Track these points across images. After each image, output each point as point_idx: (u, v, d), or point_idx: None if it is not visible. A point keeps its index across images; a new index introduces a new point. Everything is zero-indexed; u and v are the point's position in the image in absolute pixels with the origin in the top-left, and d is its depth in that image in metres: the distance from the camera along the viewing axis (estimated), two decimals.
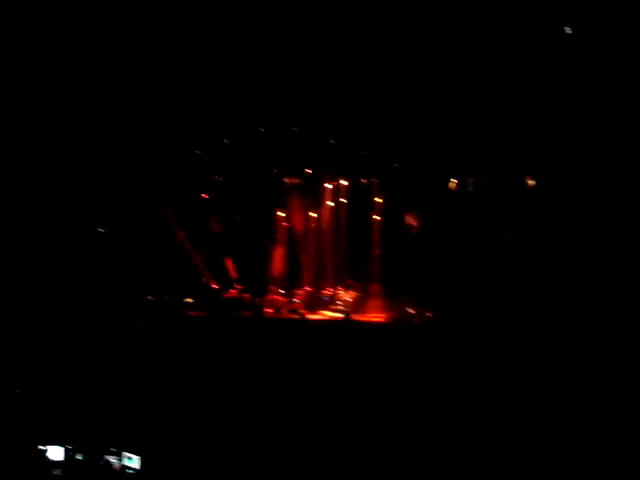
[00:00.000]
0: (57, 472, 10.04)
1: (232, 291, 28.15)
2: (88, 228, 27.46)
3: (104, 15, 24.48)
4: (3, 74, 24.19)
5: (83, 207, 27.67)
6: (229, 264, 28.60)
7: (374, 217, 29.06)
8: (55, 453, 10.08)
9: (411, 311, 26.03)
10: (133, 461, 9.99)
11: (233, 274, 28.64)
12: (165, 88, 26.12)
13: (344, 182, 29.29)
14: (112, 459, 10.00)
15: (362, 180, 29.33)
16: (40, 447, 9.96)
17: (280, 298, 28.24)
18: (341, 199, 29.27)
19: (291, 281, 28.78)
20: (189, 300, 27.44)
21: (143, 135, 27.33)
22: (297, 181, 29.59)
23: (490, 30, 24.81)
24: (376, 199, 28.91)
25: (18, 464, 9.80)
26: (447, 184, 29.29)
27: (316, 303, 28.10)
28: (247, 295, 28.16)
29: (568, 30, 24.48)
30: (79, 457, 10.03)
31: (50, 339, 17.63)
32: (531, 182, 28.31)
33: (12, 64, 24.27)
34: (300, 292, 28.44)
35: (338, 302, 28.11)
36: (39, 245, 25.27)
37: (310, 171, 29.15)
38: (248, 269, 28.82)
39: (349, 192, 29.30)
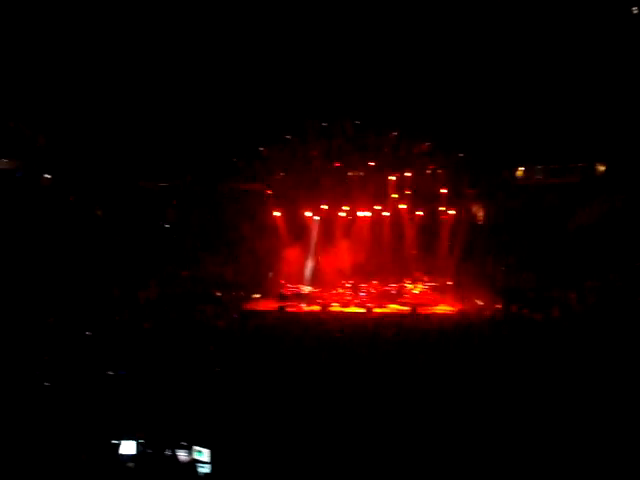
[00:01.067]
0: (130, 465, 10.16)
1: (298, 286, 28.28)
2: (156, 226, 28.00)
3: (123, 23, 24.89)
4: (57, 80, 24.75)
5: (151, 205, 28.22)
6: (295, 260, 28.76)
7: (441, 208, 28.76)
8: (127, 447, 10.20)
9: (480, 303, 25.65)
10: (203, 455, 10.03)
11: (299, 269, 28.77)
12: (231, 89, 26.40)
13: (408, 174, 29.08)
14: (182, 453, 10.06)
15: (427, 171, 29.14)
16: (113, 441, 10.10)
17: (347, 292, 28.20)
18: (406, 191, 29.09)
19: (358, 275, 28.71)
20: (257, 296, 27.68)
21: (209, 134, 27.66)
22: (360, 174, 29.55)
23: (558, 19, 24.33)
24: (443, 190, 28.63)
25: (92, 458, 9.96)
26: (515, 172, 28.80)
27: (383, 297, 27.94)
28: (314, 290, 28.25)
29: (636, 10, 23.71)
30: (150, 451, 10.16)
31: (123, 334, 18.08)
32: (601, 168, 27.57)
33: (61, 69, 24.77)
34: (367, 286, 28.33)
35: (405, 295, 27.91)
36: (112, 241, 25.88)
37: (374, 164, 29.06)
38: (314, 264, 28.95)
39: (415, 184, 29.09)
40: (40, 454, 9.52)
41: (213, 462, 9.87)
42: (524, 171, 28.76)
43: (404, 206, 28.96)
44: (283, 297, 27.42)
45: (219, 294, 26.56)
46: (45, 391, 12.78)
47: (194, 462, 9.94)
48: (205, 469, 9.93)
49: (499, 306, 24.90)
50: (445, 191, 28.63)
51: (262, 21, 25.09)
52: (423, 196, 29.06)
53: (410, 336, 19.91)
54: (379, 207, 28.99)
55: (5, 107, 25.16)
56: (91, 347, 16.50)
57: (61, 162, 26.96)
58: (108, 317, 20.72)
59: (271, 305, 26.61)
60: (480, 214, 29.30)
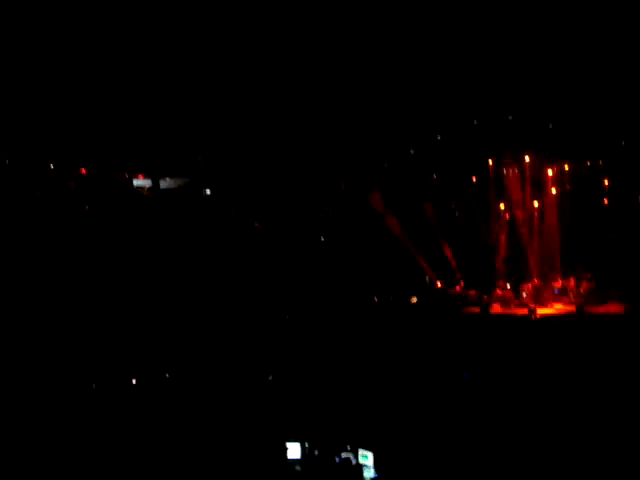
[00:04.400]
0: (297, 468, 10.36)
1: (457, 288, 27.80)
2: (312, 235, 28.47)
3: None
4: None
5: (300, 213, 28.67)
6: (452, 260, 28.30)
7: (603, 201, 27.37)
8: (293, 450, 10.41)
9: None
10: (368, 458, 10.04)
11: (457, 270, 28.28)
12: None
13: (566, 166, 27.90)
14: (348, 456, 10.12)
15: (587, 163, 27.84)
16: (285, 444, 10.35)
17: (507, 293, 27.39)
18: (565, 184, 27.91)
19: (518, 274, 27.81)
20: (414, 299, 27.47)
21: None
22: (516, 168, 28.67)
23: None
24: (604, 182, 27.27)
25: (264, 459, 10.24)
26: None
27: (546, 296, 26.88)
28: (472, 291, 27.67)
29: None
30: (316, 453, 10.32)
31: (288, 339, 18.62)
32: None
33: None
34: (528, 285, 27.36)
35: (570, 294, 26.71)
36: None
37: (529, 157, 28.11)
38: (472, 264, 28.34)
39: (573, 176, 27.88)
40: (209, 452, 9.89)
41: (377, 466, 9.87)
42: None
43: (563, 200, 27.82)
44: (444, 299, 27.06)
45: (376, 299, 26.60)
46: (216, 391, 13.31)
47: (360, 466, 9.97)
48: (371, 473, 9.94)
49: None
50: (608, 183, 27.24)
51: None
52: (583, 189, 27.81)
53: (580, 338, 19.05)
54: (537, 202, 27.99)
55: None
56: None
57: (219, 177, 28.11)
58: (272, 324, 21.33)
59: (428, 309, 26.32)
60: None
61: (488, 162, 28.46)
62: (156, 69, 25.39)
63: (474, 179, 28.79)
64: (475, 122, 27.61)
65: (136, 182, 27.92)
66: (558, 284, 27.20)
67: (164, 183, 28.19)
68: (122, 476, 9.57)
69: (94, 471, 9.09)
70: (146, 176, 27.89)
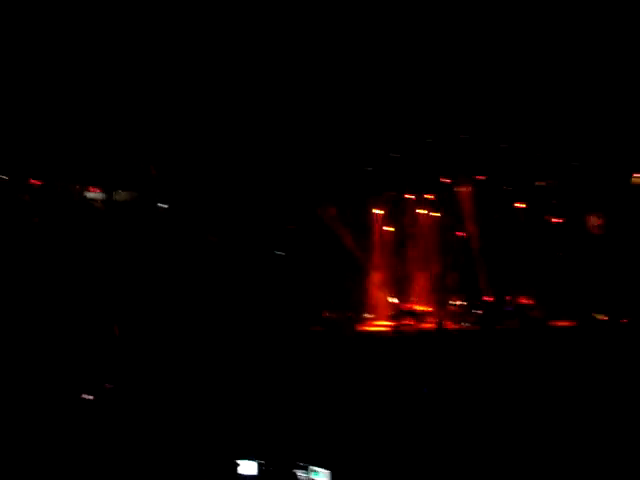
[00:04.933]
0: None
1: (409, 304, 28.00)
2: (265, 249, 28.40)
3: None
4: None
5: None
6: (407, 276, 28.54)
7: (553, 219, 27.90)
8: (248, 467, 10.34)
9: (603, 317, 24.64)
10: (319, 475, 10.03)
11: (409, 287, 28.52)
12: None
13: (517, 185, 28.40)
14: (300, 473, 10.10)
15: (539, 182, 28.35)
16: (235, 461, 10.27)
17: (460, 310, 27.69)
18: (517, 203, 28.39)
19: (470, 292, 28.15)
20: (368, 316, 27.58)
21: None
22: (469, 187, 29.07)
23: None
24: (554, 200, 27.79)
25: (214, 476, 10.15)
26: (630, 180, 27.61)
27: (499, 313, 27.26)
28: (426, 307, 27.91)
29: None
30: (270, 470, 10.26)
31: (242, 357, 18.47)
32: None
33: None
34: (480, 303, 27.70)
35: (521, 311, 27.12)
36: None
37: (482, 177, 28.53)
38: (424, 281, 28.59)
39: (525, 195, 28.36)
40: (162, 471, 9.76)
41: None
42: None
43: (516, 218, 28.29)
44: (396, 316, 27.22)
45: (328, 315, 26.64)
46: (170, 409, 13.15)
47: None
48: None
49: (624, 320, 23.89)
50: (558, 202, 27.79)
51: None
52: (535, 207, 28.33)
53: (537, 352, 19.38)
54: (488, 220, 28.41)
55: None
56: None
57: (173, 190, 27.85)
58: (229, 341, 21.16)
59: (384, 325, 26.46)
60: (596, 224, 28.23)
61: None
62: (109, 79, 25.09)
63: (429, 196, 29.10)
64: (429, 140, 27.92)
65: (89, 194, 27.55)
66: (510, 301, 27.61)
67: (118, 196, 27.85)
68: None
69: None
70: (99, 189, 27.53)
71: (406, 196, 29.13)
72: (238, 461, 10.36)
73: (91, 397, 14.45)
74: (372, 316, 27.54)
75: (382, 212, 29.01)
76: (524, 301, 27.48)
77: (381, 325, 26.67)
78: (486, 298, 27.73)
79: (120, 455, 10.16)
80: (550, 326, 25.31)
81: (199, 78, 25.62)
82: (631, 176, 27.03)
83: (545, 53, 23.99)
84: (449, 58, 24.80)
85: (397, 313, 27.56)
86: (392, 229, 29.18)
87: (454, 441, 11.40)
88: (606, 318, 24.60)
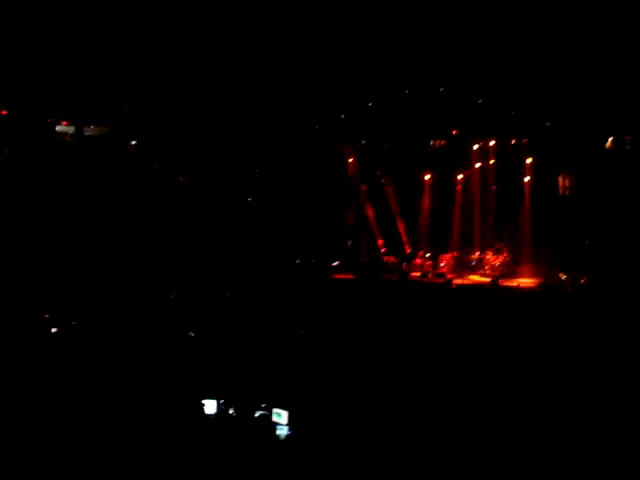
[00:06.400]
0: (211, 425, 10.42)
1: (378, 255, 28.19)
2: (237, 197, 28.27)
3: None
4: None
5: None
6: (375, 228, 28.64)
7: (525, 178, 28.10)
8: (209, 407, 10.48)
9: (563, 277, 25.05)
10: (281, 417, 10.20)
11: (379, 238, 28.65)
12: None
13: (492, 142, 28.47)
14: (261, 414, 10.25)
15: (512, 140, 28.46)
16: (201, 401, 10.39)
17: (426, 262, 27.95)
18: (489, 161, 28.51)
19: (438, 245, 28.40)
20: (336, 264, 27.72)
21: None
22: (443, 143, 29.10)
23: None
24: (527, 159, 27.95)
25: (179, 416, 10.24)
26: (604, 142, 27.82)
27: (463, 267, 27.58)
28: (393, 259, 28.11)
29: None
30: (231, 412, 10.41)
31: (209, 300, 18.56)
32: None
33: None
34: (447, 256, 27.98)
35: (486, 266, 27.48)
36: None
37: (457, 132, 28.57)
38: (394, 233, 28.74)
39: (498, 153, 28.48)
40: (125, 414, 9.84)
41: (291, 424, 10.04)
42: (613, 141, 27.73)
43: (486, 176, 28.45)
44: (361, 266, 27.39)
45: (298, 262, 26.73)
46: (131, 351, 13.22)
47: (273, 424, 10.12)
48: (284, 431, 10.11)
49: (583, 281, 24.31)
50: (529, 161, 27.91)
51: None
52: (506, 166, 28.45)
53: (493, 309, 19.64)
54: (461, 176, 28.53)
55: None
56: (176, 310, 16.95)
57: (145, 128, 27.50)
58: (194, 283, 21.19)
59: (351, 275, 26.64)
60: (566, 185, 28.50)
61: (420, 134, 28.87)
62: (86, 11, 24.54)
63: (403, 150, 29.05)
64: (407, 92, 27.81)
65: (59, 128, 27.07)
66: (475, 256, 27.92)
67: (88, 130, 27.41)
68: None
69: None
70: (70, 122, 27.05)
71: (381, 147, 29.15)
72: (203, 401, 10.48)
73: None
74: (339, 264, 27.67)
75: (353, 161, 28.98)
76: (490, 257, 27.80)
77: (349, 274, 26.82)
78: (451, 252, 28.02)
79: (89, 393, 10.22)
80: (512, 284, 25.62)
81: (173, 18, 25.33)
82: (604, 139, 27.29)
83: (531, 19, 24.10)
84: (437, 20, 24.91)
85: (367, 262, 27.74)
86: (363, 180, 29.18)
87: (410, 387, 11.67)
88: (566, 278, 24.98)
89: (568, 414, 10.62)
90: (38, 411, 9.59)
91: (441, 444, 9.32)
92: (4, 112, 25.53)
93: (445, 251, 28.11)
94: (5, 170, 24.10)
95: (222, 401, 10.53)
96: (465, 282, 26.22)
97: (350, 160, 28.92)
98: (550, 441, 9.54)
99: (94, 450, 8.64)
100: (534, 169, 27.83)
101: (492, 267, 27.27)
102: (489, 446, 9.31)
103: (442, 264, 27.60)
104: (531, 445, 9.35)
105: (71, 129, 27.09)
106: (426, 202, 28.76)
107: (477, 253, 27.98)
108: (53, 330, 14.72)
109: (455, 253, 28.05)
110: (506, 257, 27.63)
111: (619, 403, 11.03)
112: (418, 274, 27.09)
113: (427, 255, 28.12)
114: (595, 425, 10.10)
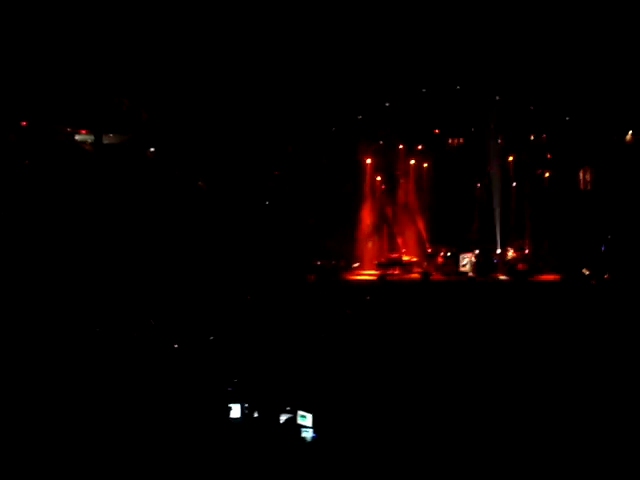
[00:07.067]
0: (237, 428, 10.45)
1: (396, 254, 28.17)
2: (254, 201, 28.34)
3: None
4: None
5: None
6: (394, 228, 28.64)
7: (544, 173, 27.95)
8: (234, 411, 10.50)
9: (587, 272, 24.88)
10: (306, 419, 10.19)
11: (398, 238, 28.63)
12: None
13: (511, 139, 28.34)
14: (286, 417, 10.26)
15: (530, 136, 28.30)
16: (227, 405, 10.43)
17: (447, 260, 27.86)
18: (509, 157, 28.37)
19: (458, 243, 28.28)
20: (356, 265, 27.69)
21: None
22: (462, 141, 28.99)
23: None
24: (547, 155, 27.81)
25: (205, 419, 10.28)
26: (624, 137, 27.60)
27: (485, 265, 27.44)
28: (413, 258, 28.08)
29: None
30: (255, 415, 10.43)
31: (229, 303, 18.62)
32: None
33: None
34: (468, 254, 27.83)
35: (508, 263, 27.32)
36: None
37: (473, 129, 28.46)
38: (414, 233, 28.73)
39: (517, 149, 28.32)
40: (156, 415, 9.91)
41: (316, 427, 10.03)
42: (632, 135, 27.53)
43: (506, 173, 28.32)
44: (383, 266, 27.37)
45: (319, 263, 26.75)
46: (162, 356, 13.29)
47: (298, 427, 10.12)
48: (309, 433, 10.10)
49: (607, 276, 24.16)
50: (550, 156, 27.78)
51: None
52: (525, 162, 28.32)
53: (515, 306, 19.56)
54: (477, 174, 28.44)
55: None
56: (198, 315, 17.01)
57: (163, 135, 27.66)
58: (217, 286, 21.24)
59: (371, 274, 26.63)
60: (587, 180, 28.30)
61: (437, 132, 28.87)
62: (104, 21, 24.76)
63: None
64: (424, 90, 27.76)
65: (78, 137, 27.29)
66: (497, 254, 27.78)
67: (107, 139, 27.61)
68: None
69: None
70: (89, 131, 27.26)
71: (397, 147, 29.10)
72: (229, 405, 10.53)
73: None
74: (359, 265, 27.69)
75: (371, 162, 28.95)
76: (512, 254, 27.67)
77: (368, 274, 26.83)
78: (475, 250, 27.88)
79: (111, 401, 10.30)
80: (535, 280, 25.51)
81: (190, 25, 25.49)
82: (625, 133, 27.08)
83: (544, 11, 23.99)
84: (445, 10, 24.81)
85: (384, 262, 27.72)
86: (382, 179, 29.17)
87: (435, 388, 11.62)
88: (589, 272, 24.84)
89: (593, 406, 10.56)
90: (69, 414, 9.71)
91: (468, 448, 9.30)
92: (24, 123, 25.76)
93: (466, 250, 27.99)
94: (26, 180, 24.31)
95: (246, 405, 10.54)
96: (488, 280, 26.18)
97: (368, 161, 28.92)
98: (563, 435, 9.52)
99: (120, 451, 8.72)
100: (554, 164, 27.69)
101: (514, 264, 27.15)
102: (514, 444, 9.28)
103: (464, 263, 27.48)
104: (550, 439, 9.32)
105: (90, 138, 27.29)
106: (444, 200, 28.72)
107: (498, 251, 27.85)
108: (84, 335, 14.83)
109: (476, 251, 27.93)
110: (527, 254, 27.52)
111: None
112: (439, 273, 27.06)
113: (448, 254, 28.04)
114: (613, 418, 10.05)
